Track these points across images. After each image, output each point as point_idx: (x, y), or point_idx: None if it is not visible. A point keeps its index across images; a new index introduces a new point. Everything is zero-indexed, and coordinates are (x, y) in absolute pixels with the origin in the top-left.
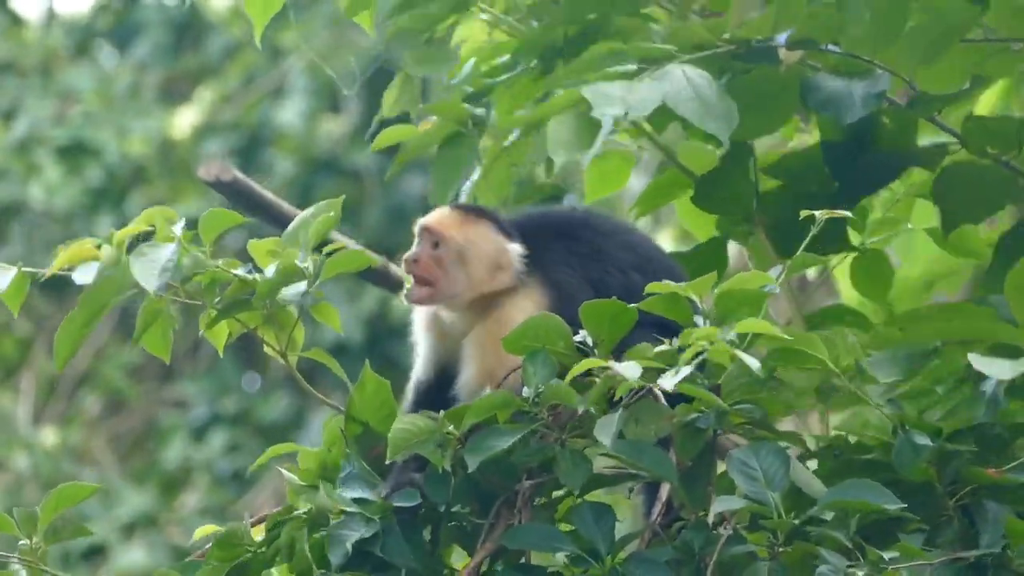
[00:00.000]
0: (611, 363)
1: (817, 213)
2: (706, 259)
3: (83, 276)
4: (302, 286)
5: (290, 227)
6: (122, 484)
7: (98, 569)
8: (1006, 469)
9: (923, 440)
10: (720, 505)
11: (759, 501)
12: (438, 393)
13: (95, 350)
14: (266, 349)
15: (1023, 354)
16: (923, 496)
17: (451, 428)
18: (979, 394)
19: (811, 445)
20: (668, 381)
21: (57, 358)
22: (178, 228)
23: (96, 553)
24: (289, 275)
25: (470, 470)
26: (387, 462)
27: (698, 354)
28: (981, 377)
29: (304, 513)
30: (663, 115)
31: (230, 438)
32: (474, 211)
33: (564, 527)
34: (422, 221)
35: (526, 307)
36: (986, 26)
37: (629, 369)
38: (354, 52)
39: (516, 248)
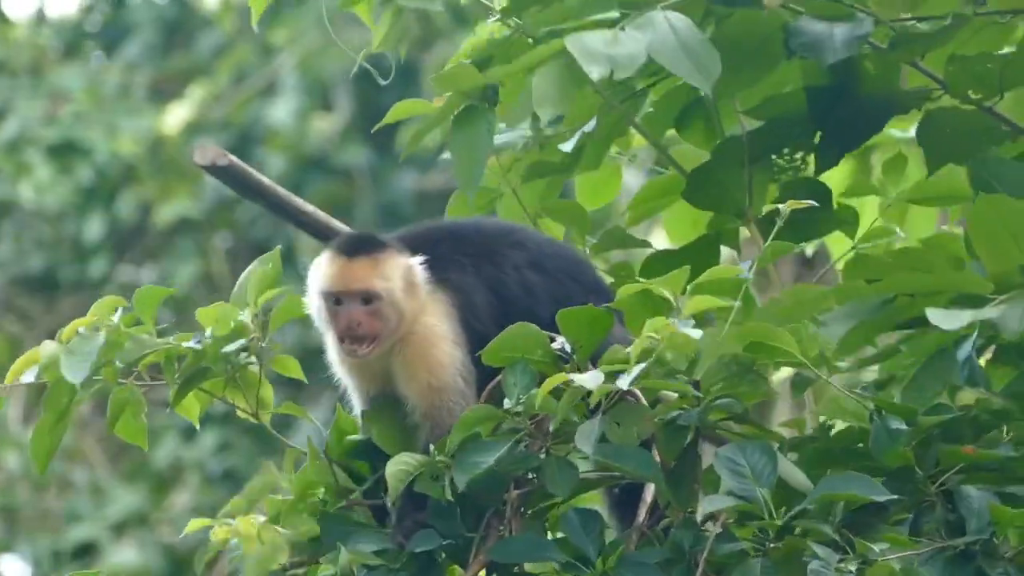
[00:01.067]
0: (572, 376)
1: (782, 207)
2: (698, 257)
3: (27, 377)
4: (242, 340)
5: (235, 290)
6: (113, 483)
7: (89, 568)
8: (979, 445)
9: (898, 424)
10: (709, 504)
11: (748, 498)
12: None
13: None
14: (239, 412)
15: (987, 303)
16: (903, 482)
17: (441, 458)
18: (950, 363)
19: (787, 435)
20: (624, 381)
21: (37, 463)
22: (116, 316)
23: (87, 552)
24: (236, 332)
25: (460, 489)
26: (390, 504)
27: (649, 350)
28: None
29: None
30: (659, 122)
31: (220, 437)
32: (369, 246)
33: (554, 534)
34: (336, 287)
35: (435, 310)
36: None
37: (589, 379)
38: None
39: (417, 260)
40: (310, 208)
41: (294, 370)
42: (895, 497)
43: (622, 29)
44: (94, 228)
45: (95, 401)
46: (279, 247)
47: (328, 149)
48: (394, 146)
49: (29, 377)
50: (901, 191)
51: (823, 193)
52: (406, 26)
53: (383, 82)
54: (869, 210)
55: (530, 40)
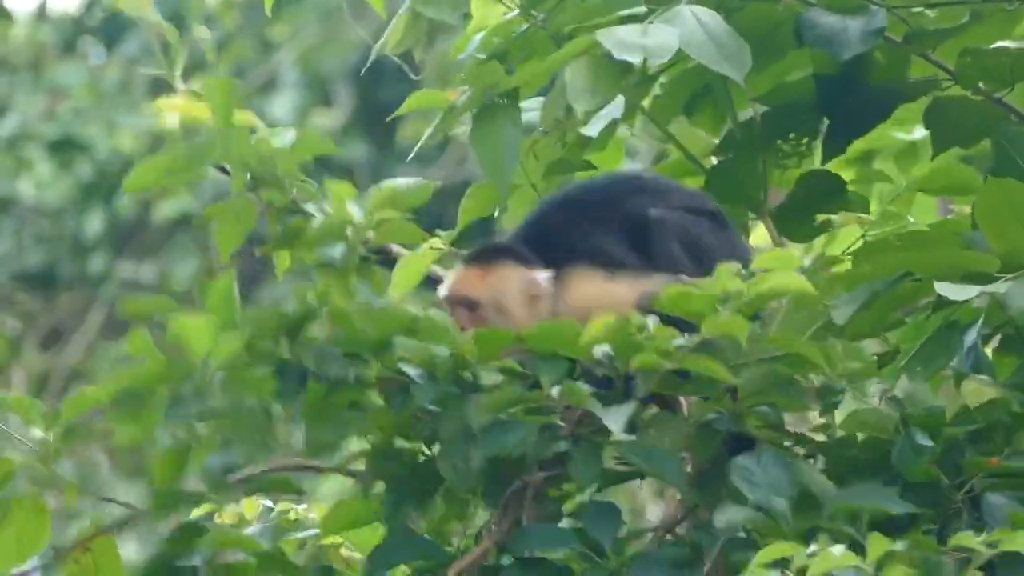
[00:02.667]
0: (599, 411)
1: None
2: None
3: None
4: (338, 250)
5: (375, 192)
6: (112, 478)
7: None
8: (1004, 456)
9: (925, 440)
10: (723, 517)
11: (766, 508)
12: None
13: (86, 346)
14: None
15: (993, 281)
16: (929, 491)
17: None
18: (955, 337)
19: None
20: (612, 420)
21: (130, 184)
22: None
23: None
24: (338, 228)
25: (475, 465)
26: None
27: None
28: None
29: None
30: (668, 108)
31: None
32: (488, 255)
33: (573, 522)
34: (446, 293)
35: (588, 287)
36: None
37: (614, 419)
38: (346, 45)
39: (542, 275)
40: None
41: (379, 286)
42: (915, 510)
43: (650, 23)
44: (94, 224)
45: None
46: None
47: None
48: (395, 142)
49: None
50: (911, 180)
51: (838, 185)
52: (422, 28)
53: (415, 77)
54: (873, 202)
55: (547, 33)
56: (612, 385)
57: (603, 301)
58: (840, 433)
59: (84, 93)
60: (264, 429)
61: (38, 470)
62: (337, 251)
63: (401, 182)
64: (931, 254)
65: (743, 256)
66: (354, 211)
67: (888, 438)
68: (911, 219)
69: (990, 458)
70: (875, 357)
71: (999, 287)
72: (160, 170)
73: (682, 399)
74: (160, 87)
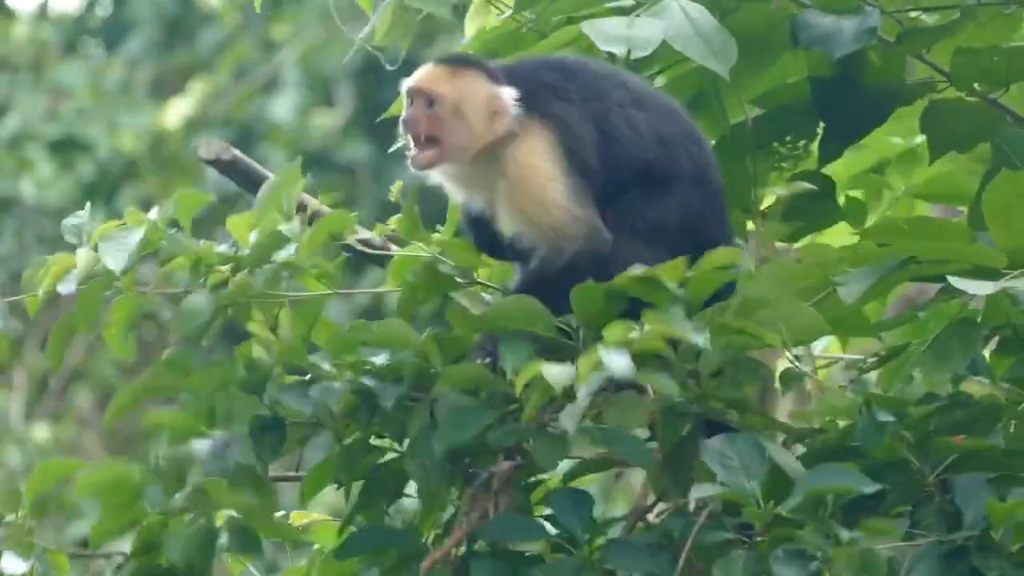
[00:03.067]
0: (543, 368)
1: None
2: None
3: (65, 287)
4: (291, 248)
5: (258, 197)
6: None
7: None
8: (973, 434)
9: (886, 416)
10: (698, 492)
11: (738, 488)
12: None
13: (87, 346)
14: (251, 327)
15: (1001, 277)
16: (901, 475)
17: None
18: (973, 332)
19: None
20: (582, 393)
21: (54, 360)
22: (153, 213)
23: (87, 548)
24: (274, 241)
25: (436, 456)
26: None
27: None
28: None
29: None
30: None
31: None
32: (460, 62)
33: (540, 510)
34: (410, 83)
35: (534, 147)
36: None
37: (557, 373)
38: (347, 45)
39: (509, 92)
40: (315, 202)
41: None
42: (880, 487)
43: (637, 16)
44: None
45: (95, 398)
46: (299, 158)
47: (330, 144)
48: (396, 141)
49: (68, 287)
50: (910, 186)
51: (827, 185)
52: (411, 20)
53: (390, 67)
54: (872, 207)
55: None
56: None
57: (537, 186)
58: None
59: (85, 93)
60: (261, 491)
61: (19, 544)
62: (288, 251)
63: (277, 176)
64: (939, 244)
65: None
66: (277, 216)
67: (854, 424)
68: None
69: (956, 437)
70: (875, 356)
71: (1016, 283)
72: (66, 332)
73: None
74: (162, 87)
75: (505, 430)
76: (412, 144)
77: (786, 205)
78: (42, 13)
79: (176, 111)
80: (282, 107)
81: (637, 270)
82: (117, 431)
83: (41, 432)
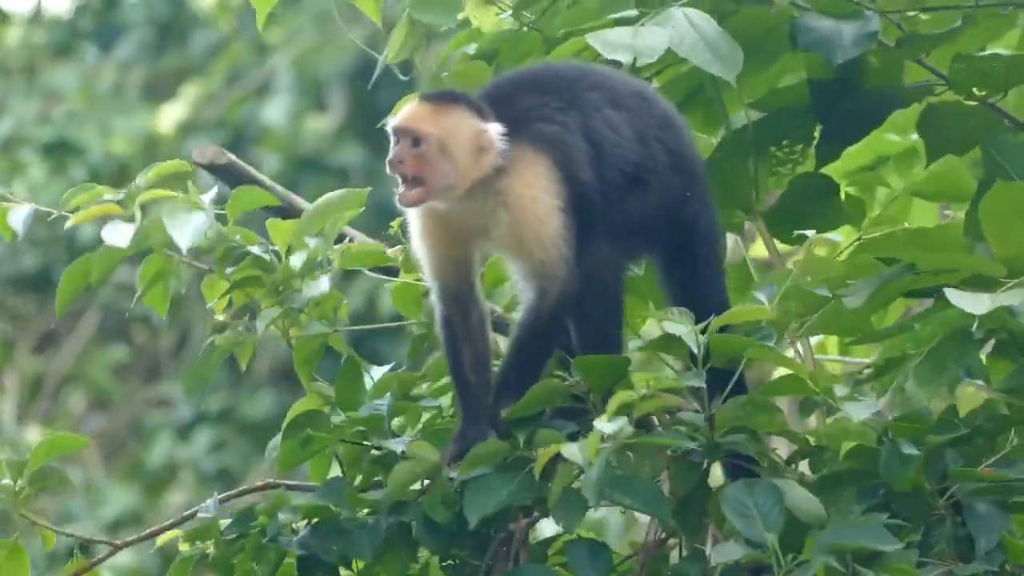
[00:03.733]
0: (563, 449)
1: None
2: None
3: (115, 237)
4: (325, 283)
5: (309, 211)
6: (107, 483)
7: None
8: (992, 463)
9: (911, 450)
10: (718, 556)
11: (756, 543)
12: (458, 297)
13: (79, 349)
14: (273, 329)
15: (999, 286)
16: (912, 498)
17: (452, 475)
18: (968, 343)
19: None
20: (572, 451)
21: (60, 299)
22: (207, 199)
23: (81, 552)
24: (312, 265)
25: (471, 526)
26: (391, 502)
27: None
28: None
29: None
30: None
31: (215, 437)
32: (444, 98)
33: (557, 559)
34: (395, 122)
35: (531, 178)
36: None
37: (575, 452)
38: (341, 49)
39: (494, 127)
40: (309, 206)
41: (341, 310)
42: (900, 546)
43: (642, 25)
44: (88, 228)
45: (88, 402)
46: (368, 188)
47: (323, 148)
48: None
49: (119, 239)
50: (908, 184)
51: (830, 187)
52: (420, 34)
53: (404, 78)
54: (868, 204)
55: (539, 34)
56: (584, 415)
57: (537, 220)
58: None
59: (78, 96)
60: None
61: (13, 515)
62: (323, 285)
63: (334, 195)
64: (936, 255)
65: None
66: (312, 242)
67: (871, 446)
68: (906, 225)
69: (982, 468)
70: (868, 368)
71: (1010, 297)
72: (81, 279)
73: (654, 417)
74: (154, 90)
75: (522, 487)
76: (400, 182)
77: (787, 206)
78: (35, 16)
79: (170, 116)
80: (275, 111)
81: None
82: (111, 436)
83: (34, 435)
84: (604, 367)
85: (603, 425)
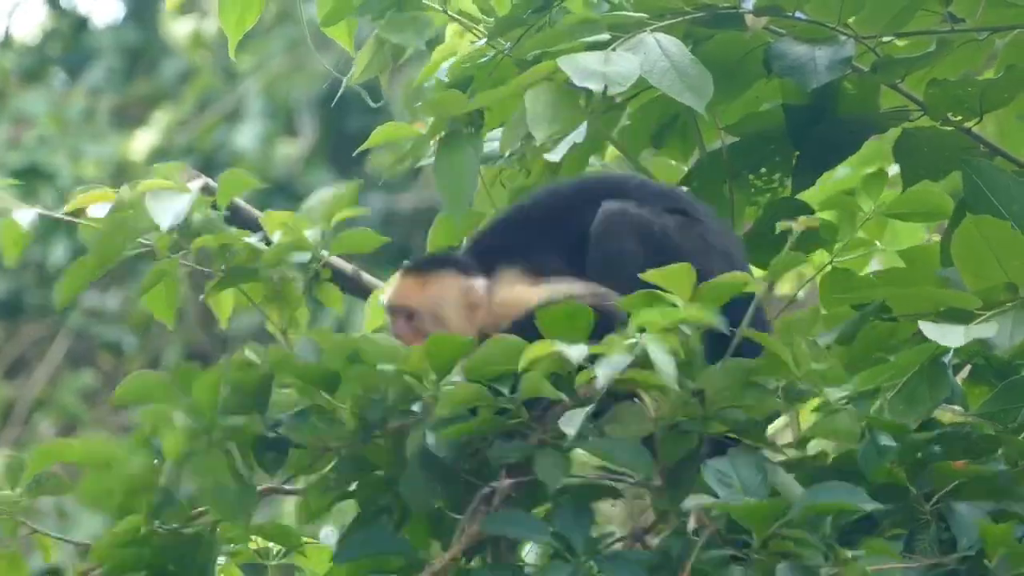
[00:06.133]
0: (559, 346)
1: (794, 224)
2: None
3: (98, 211)
4: (307, 255)
5: (306, 202)
6: (77, 509)
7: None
8: (971, 462)
9: (888, 441)
10: (692, 501)
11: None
12: None
13: (49, 375)
14: (268, 327)
15: (974, 318)
16: (898, 500)
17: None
18: (941, 374)
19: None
20: (603, 372)
21: (62, 296)
22: (195, 185)
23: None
24: (297, 245)
25: (441, 454)
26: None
27: (633, 342)
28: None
29: None
30: (636, 137)
31: None
32: (430, 267)
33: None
34: (387, 301)
35: (505, 293)
36: (949, 16)
37: (575, 352)
38: (313, 76)
39: (480, 283)
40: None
41: (336, 302)
42: (880, 507)
43: (613, 51)
44: (58, 253)
45: (57, 427)
46: (360, 180)
47: (293, 173)
48: (360, 170)
49: (101, 211)
50: (880, 205)
51: (805, 212)
52: (386, 55)
53: (374, 105)
54: (844, 226)
55: (512, 60)
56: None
57: (519, 305)
58: (811, 442)
59: (48, 122)
60: (247, 502)
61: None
62: (305, 256)
63: (325, 192)
64: (909, 291)
65: (725, 252)
66: (306, 223)
67: (854, 447)
68: (878, 243)
69: (956, 462)
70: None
71: (985, 330)
72: (88, 270)
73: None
74: (124, 116)
75: (506, 446)
76: None
77: (763, 231)
78: (4, 41)
79: (141, 141)
80: (245, 136)
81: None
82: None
83: (5, 460)
84: (566, 317)
85: (570, 351)
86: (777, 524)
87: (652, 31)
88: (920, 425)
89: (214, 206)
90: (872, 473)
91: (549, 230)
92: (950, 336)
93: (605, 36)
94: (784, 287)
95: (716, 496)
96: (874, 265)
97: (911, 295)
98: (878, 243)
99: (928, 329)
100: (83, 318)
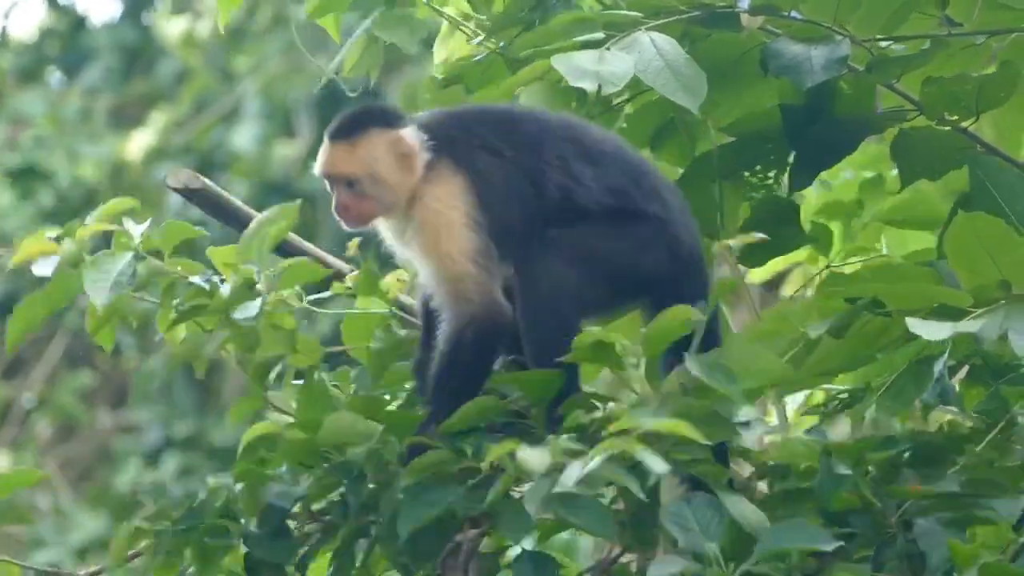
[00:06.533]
0: (519, 454)
1: (758, 236)
2: None
3: (42, 269)
4: (255, 306)
5: (245, 233)
6: (75, 509)
7: None
8: (937, 482)
9: (844, 470)
10: (659, 569)
11: (697, 553)
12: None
13: (47, 375)
14: (223, 354)
15: (966, 316)
16: (863, 516)
17: (391, 439)
18: (927, 371)
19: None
20: (570, 476)
21: (12, 337)
22: (137, 233)
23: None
24: (245, 289)
25: (401, 539)
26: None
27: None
28: (930, 352)
29: None
30: (633, 139)
31: (182, 462)
32: (355, 128)
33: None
34: (320, 171)
35: (442, 192)
36: (946, 19)
37: (535, 458)
38: (308, 76)
39: (409, 132)
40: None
41: (288, 323)
42: (842, 544)
43: (607, 49)
44: None
45: (56, 428)
46: (300, 200)
47: (290, 174)
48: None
49: (45, 269)
50: (877, 212)
51: (790, 211)
52: (378, 52)
53: (352, 94)
54: (840, 231)
55: (505, 59)
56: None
57: (441, 233)
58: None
59: (45, 122)
60: None
61: None
62: (252, 309)
63: (266, 214)
64: (902, 287)
65: (664, 249)
66: (252, 270)
67: (814, 467)
68: (883, 248)
69: (913, 486)
70: (845, 395)
71: (971, 325)
72: (36, 312)
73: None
74: (121, 116)
75: (470, 499)
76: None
77: (752, 231)
78: (1, 40)
79: (138, 142)
80: (243, 137)
81: (587, 334)
82: (77, 461)
83: (1, 461)
84: (541, 382)
85: (531, 457)
86: (740, 570)
87: (647, 30)
88: (880, 443)
89: (155, 252)
90: (829, 502)
91: (503, 136)
92: (936, 331)
93: (599, 35)
94: (788, 289)
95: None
96: None
97: (904, 291)
98: (883, 248)
99: (915, 325)
100: (80, 318)
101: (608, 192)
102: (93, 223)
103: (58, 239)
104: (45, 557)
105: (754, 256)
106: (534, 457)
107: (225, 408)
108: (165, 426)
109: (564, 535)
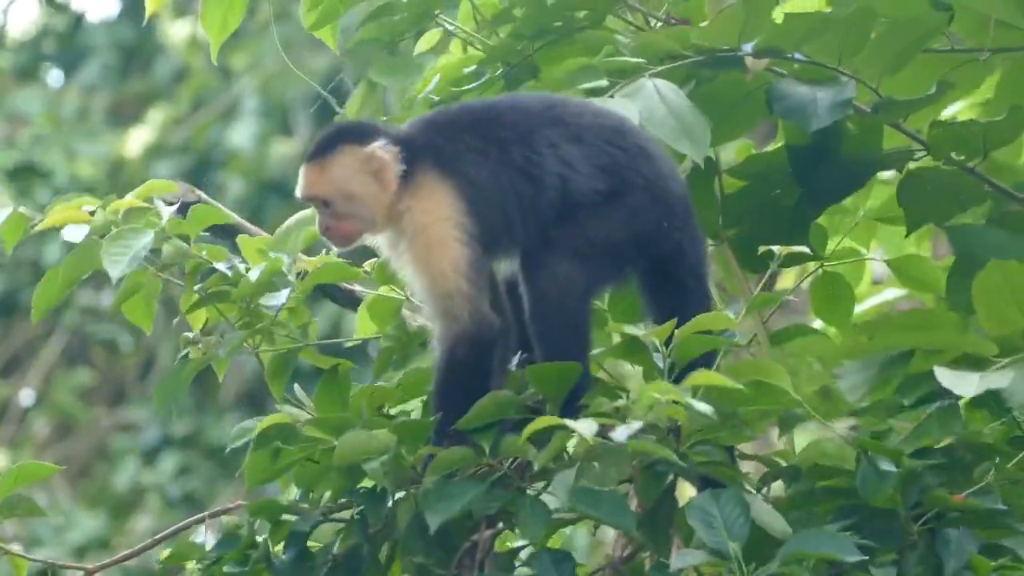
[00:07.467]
0: (568, 422)
1: (776, 249)
2: None
3: (73, 234)
4: (283, 296)
5: (281, 228)
6: (73, 507)
7: None
8: (969, 493)
9: (888, 466)
10: (680, 560)
11: (719, 552)
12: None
13: (45, 374)
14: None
15: (990, 365)
16: (886, 521)
17: (404, 452)
18: (952, 408)
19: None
20: (621, 433)
21: (35, 312)
22: (167, 213)
23: None
24: (273, 280)
25: (431, 531)
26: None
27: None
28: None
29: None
30: None
31: (181, 461)
32: (325, 148)
33: (524, 571)
34: (300, 195)
35: (431, 206)
36: (952, 35)
37: (585, 427)
38: (306, 75)
39: (378, 145)
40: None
41: (311, 327)
42: (864, 557)
43: (611, 96)
44: (53, 251)
45: (53, 427)
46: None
47: (288, 173)
48: None
49: (76, 236)
50: (868, 210)
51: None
52: (380, 96)
53: (339, 110)
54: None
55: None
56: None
57: (431, 249)
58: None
59: (43, 120)
60: None
61: None
62: (281, 298)
63: (304, 214)
64: (932, 334)
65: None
66: (283, 259)
67: (849, 468)
68: (864, 251)
69: (955, 495)
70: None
71: (1001, 380)
72: (63, 282)
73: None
74: (119, 114)
75: (487, 497)
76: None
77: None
78: (2, 38)
79: (136, 140)
80: (240, 135)
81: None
82: (75, 458)
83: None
84: (557, 375)
85: (580, 425)
86: (762, 573)
87: (651, 76)
88: (915, 452)
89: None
90: (872, 498)
91: (489, 134)
92: (964, 385)
93: (604, 82)
94: (784, 282)
95: (696, 532)
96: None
97: (934, 339)
98: (868, 251)
99: (943, 376)
100: (78, 316)
101: (598, 172)
102: (129, 200)
103: (92, 212)
104: (43, 556)
105: (751, 257)
106: (582, 425)
107: (224, 407)
108: (163, 425)
109: (563, 534)
